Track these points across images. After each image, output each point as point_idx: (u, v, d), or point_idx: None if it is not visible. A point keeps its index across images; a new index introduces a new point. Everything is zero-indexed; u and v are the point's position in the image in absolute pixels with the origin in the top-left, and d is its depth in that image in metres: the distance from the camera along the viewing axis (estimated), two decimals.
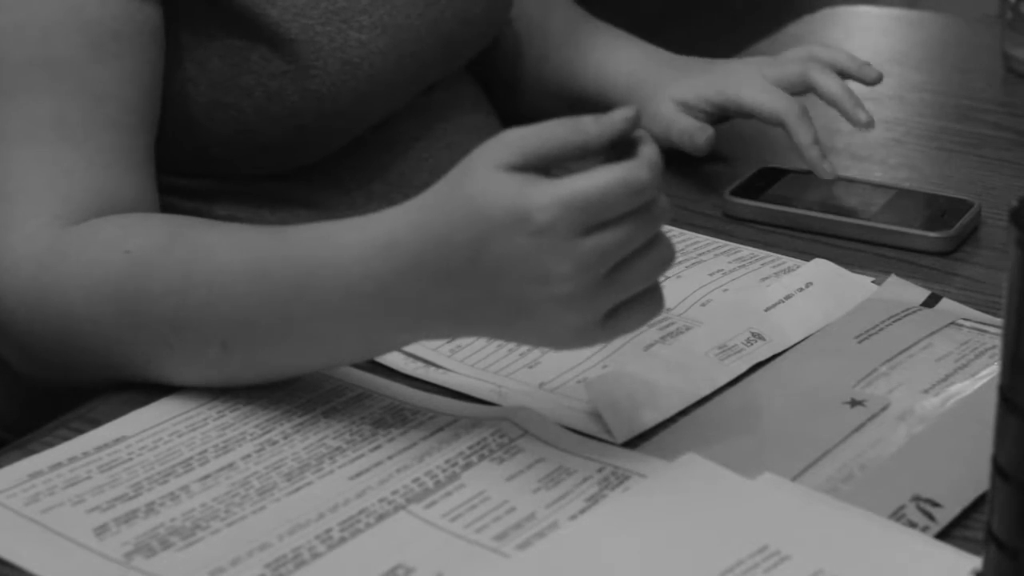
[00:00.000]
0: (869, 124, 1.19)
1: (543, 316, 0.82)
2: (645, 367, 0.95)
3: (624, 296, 0.82)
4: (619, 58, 1.29)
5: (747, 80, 1.21)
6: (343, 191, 1.16)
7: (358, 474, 0.87)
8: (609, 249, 0.80)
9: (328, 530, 0.83)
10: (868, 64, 1.22)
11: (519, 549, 0.81)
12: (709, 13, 3.50)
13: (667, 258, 0.83)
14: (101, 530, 0.83)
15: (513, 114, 1.35)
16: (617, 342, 0.98)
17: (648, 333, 1.00)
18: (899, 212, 1.16)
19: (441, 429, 0.91)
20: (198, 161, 1.11)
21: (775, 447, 0.89)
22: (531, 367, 0.97)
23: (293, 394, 0.94)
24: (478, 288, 0.82)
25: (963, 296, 1.06)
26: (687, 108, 1.23)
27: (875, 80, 1.22)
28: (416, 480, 0.86)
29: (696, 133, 1.21)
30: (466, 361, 0.97)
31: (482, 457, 0.88)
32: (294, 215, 1.14)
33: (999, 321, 0.83)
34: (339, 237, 0.87)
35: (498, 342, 0.98)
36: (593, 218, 0.80)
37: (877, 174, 1.26)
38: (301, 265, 0.88)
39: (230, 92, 1.08)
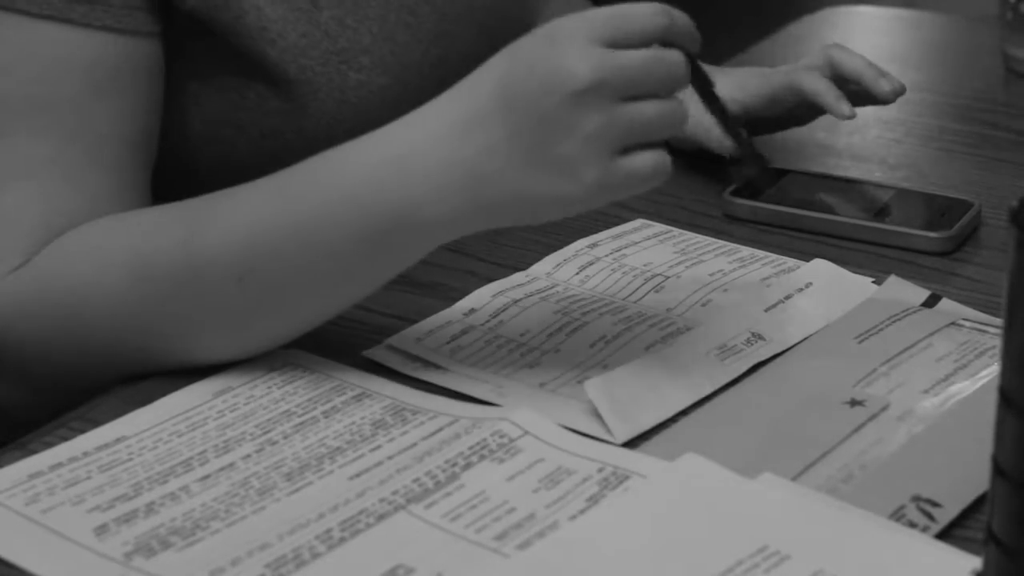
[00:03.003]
0: (894, 94, 1.18)
1: (562, 136, 0.85)
2: (645, 367, 0.95)
3: (638, 136, 0.85)
4: None
5: (771, 73, 1.21)
6: None
7: (358, 474, 0.87)
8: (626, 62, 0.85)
9: (328, 530, 0.83)
10: (887, 76, 1.19)
11: (519, 549, 0.81)
12: (709, 13, 3.50)
13: (679, 114, 0.87)
14: (101, 530, 0.83)
15: None
16: (617, 342, 0.99)
17: (648, 333, 1.00)
18: (899, 212, 1.16)
19: (441, 429, 0.91)
20: (188, 190, 1.11)
21: (775, 447, 0.89)
22: (531, 367, 0.97)
23: (293, 394, 0.94)
24: (501, 126, 0.85)
25: (963, 296, 1.06)
26: None
27: (889, 94, 1.19)
28: (416, 480, 0.86)
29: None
30: (466, 361, 0.97)
31: (482, 457, 0.88)
32: None
33: (999, 321, 0.83)
34: (357, 155, 0.90)
35: (498, 342, 0.99)
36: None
37: (877, 174, 1.26)
38: (319, 185, 0.90)
39: (225, 127, 1.08)
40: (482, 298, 1.04)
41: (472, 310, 1.03)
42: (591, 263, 1.09)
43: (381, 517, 0.84)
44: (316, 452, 0.89)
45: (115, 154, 0.99)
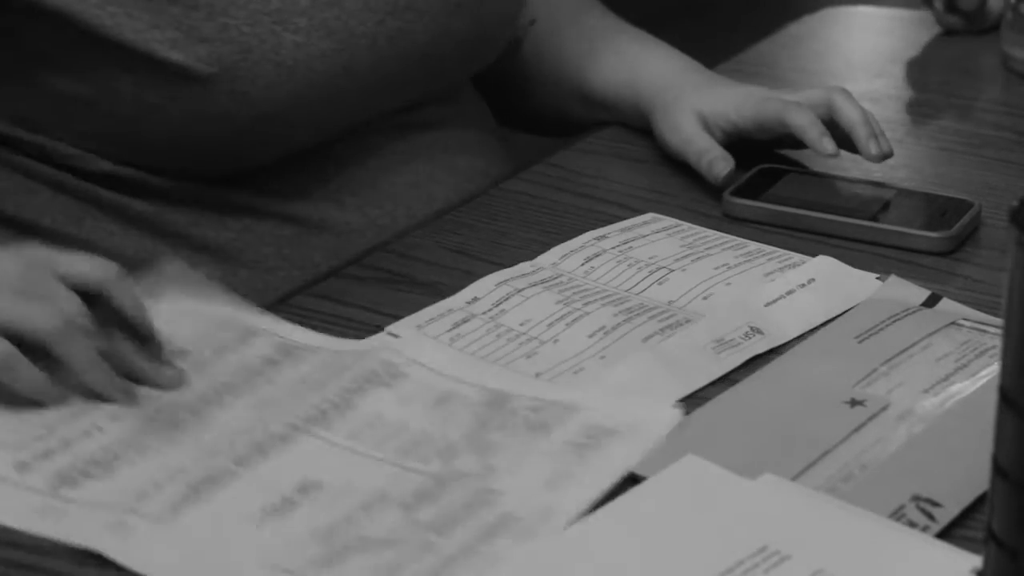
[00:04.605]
0: (880, 158, 1.18)
1: None
2: (641, 359, 0.96)
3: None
4: (649, 61, 1.28)
5: (766, 99, 1.21)
6: (312, 201, 1.15)
7: (257, 405, 0.91)
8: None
9: (240, 454, 0.87)
10: (879, 137, 1.18)
11: (420, 463, 0.85)
12: (709, 13, 3.50)
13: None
14: (21, 467, 0.86)
15: (529, 115, 1.35)
16: (615, 333, 0.99)
17: (648, 325, 1.00)
18: (899, 212, 1.16)
19: (330, 362, 0.94)
20: (143, 160, 1.11)
21: (775, 447, 0.89)
22: (528, 356, 0.97)
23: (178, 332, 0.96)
24: None
25: (963, 296, 1.06)
26: (705, 123, 1.22)
27: (875, 157, 1.18)
28: (313, 405, 0.90)
29: (717, 162, 1.18)
30: (465, 349, 0.98)
31: (373, 384, 0.92)
32: (258, 223, 1.14)
33: (999, 321, 0.83)
34: None
35: (498, 331, 1.00)
36: None
37: (877, 174, 1.26)
38: None
39: (152, 92, 1.07)
40: (486, 287, 1.04)
41: (475, 298, 1.03)
42: (597, 255, 1.09)
43: (285, 439, 0.88)
44: (214, 386, 0.92)
45: None
